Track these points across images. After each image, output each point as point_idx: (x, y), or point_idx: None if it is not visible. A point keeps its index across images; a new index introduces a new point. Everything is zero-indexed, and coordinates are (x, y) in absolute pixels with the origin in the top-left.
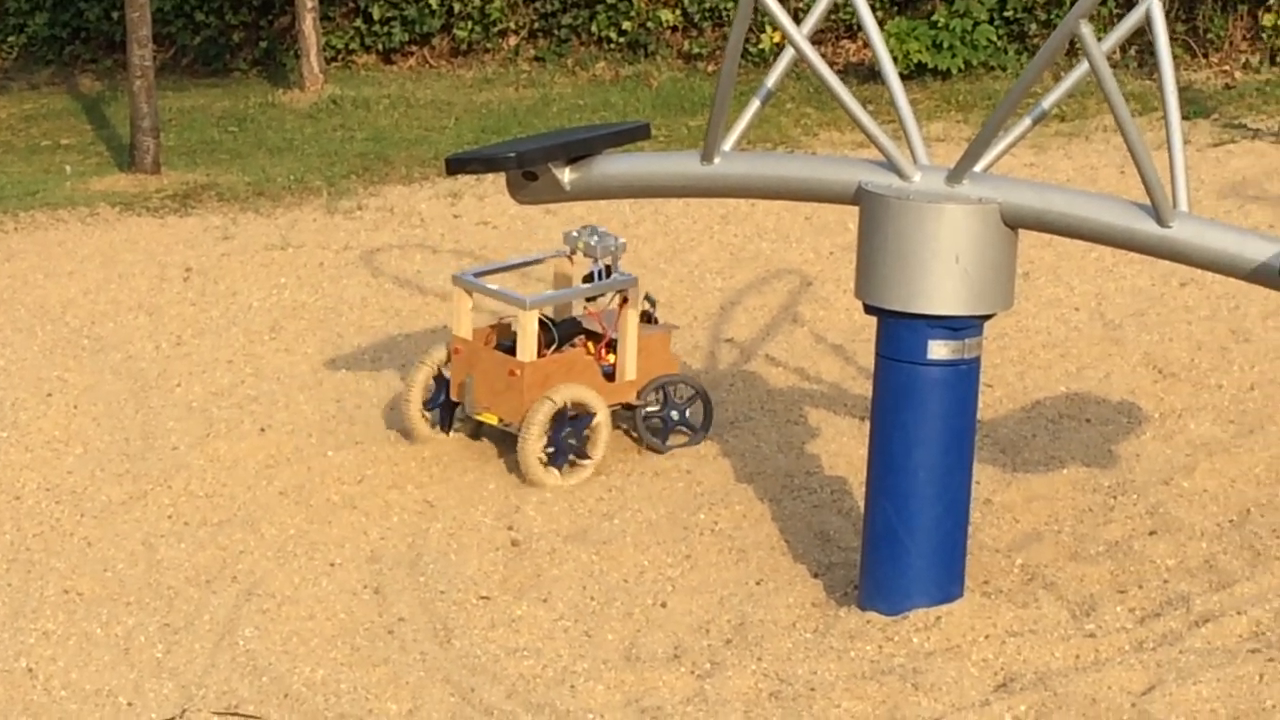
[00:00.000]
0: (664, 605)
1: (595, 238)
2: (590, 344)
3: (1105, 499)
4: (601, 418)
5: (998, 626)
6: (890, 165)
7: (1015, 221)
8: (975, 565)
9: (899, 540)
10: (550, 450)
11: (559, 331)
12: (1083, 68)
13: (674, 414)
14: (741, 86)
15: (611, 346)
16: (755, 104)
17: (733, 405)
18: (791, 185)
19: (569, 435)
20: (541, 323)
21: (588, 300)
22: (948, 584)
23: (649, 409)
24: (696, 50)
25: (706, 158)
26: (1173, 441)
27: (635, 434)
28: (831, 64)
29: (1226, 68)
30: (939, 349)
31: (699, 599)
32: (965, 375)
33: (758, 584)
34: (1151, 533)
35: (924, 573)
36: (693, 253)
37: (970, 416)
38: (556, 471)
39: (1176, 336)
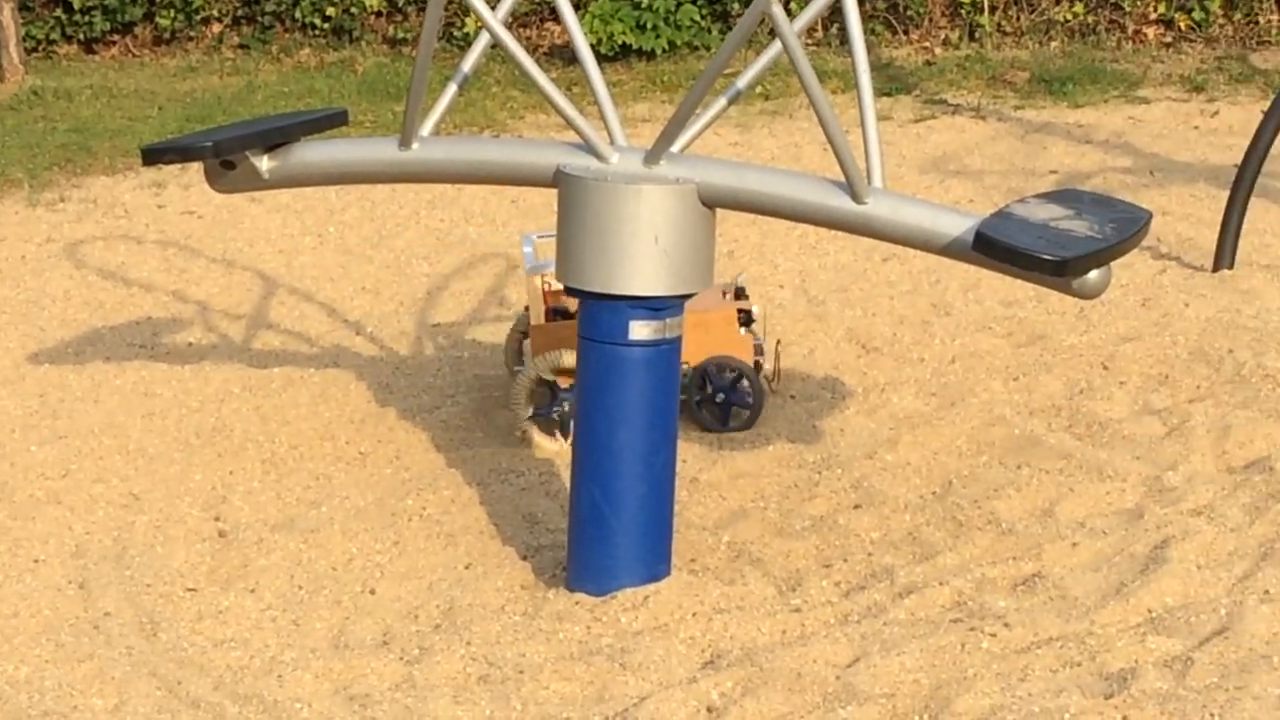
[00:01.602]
0: (373, 592)
1: None
2: None
3: (810, 474)
4: None
5: (705, 604)
6: (588, 147)
7: (712, 201)
8: (682, 544)
9: (605, 521)
10: (540, 415)
11: None
12: (777, 47)
13: (719, 395)
14: (446, 71)
15: None
16: (452, 89)
17: (439, 390)
18: (490, 169)
19: (565, 402)
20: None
21: None
22: (654, 563)
23: (698, 391)
24: (402, 35)
25: (404, 143)
26: (876, 416)
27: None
28: (536, 47)
29: (927, 44)
30: (640, 329)
31: (408, 585)
32: (667, 355)
33: (466, 568)
34: (856, 506)
35: (631, 553)
36: (399, 238)
37: (673, 396)
38: (549, 436)
39: (879, 311)
